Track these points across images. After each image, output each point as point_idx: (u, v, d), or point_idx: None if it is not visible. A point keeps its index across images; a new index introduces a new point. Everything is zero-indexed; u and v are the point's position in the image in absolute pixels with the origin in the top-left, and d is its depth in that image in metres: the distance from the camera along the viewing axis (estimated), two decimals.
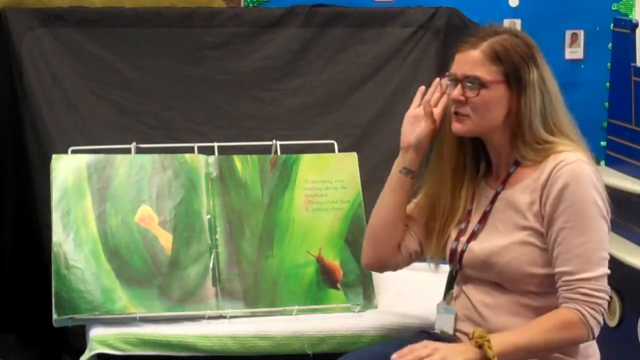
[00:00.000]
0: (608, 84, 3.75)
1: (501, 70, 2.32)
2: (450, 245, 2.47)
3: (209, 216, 2.87)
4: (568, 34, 3.86)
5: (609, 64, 3.75)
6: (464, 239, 2.43)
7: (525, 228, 2.33)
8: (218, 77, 3.45)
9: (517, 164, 2.38)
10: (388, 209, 2.53)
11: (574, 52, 3.87)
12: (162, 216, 2.84)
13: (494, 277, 2.37)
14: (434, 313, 2.56)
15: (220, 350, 2.67)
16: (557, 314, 2.28)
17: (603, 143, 3.79)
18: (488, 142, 2.41)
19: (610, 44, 3.74)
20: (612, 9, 3.87)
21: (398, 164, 2.54)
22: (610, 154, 3.67)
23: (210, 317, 2.76)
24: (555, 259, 2.29)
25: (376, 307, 2.87)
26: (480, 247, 2.39)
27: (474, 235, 2.42)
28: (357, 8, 3.56)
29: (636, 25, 3.54)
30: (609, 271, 2.30)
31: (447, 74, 2.41)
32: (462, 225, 2.45)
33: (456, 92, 2.36)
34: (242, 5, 3.62)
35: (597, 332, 2.30)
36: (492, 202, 2.40)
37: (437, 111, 2.49)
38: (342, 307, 2.84)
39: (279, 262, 2.85)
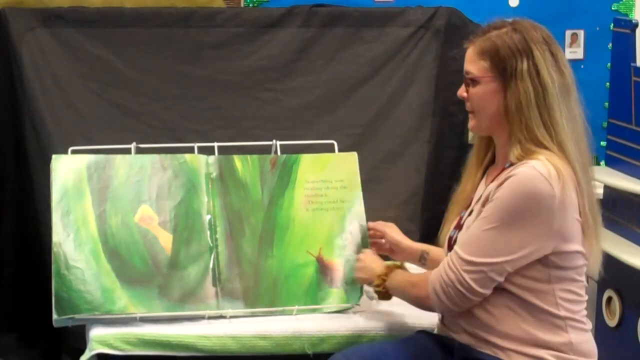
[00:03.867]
0: (608, 84, 3.74)
1: (489, 65, 2.34)
2: (446, 233, 2.52)
3: (209, 216, 2.87)
4: (568, 34, 3.85)
5: (609, 64, 3.75)
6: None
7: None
8: (218, 77, 3.45)
9: (512, 164, 2.37)
10: None
11: (574, 52, 3.87)
12: (162, 216, 2.84)
13: None
14: (434, 313, 2.56)
15: (220, 350, 2.67)
16: (426, 273, 2.47)
17: (603, 143, 3.78)
18: (495, 140, 2.43)
19: (610, 44, 3.74)
20: (612, 9, 3.87)
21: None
22: (610, 154, 3.66)
23: (210, 317, 2.76)
24: None
25: (376, 307, 2.87)
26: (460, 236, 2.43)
27: (459, 224, 2.46)
28: (357, 8, 3.56)
29: (636, 25, 3.54)
30: (484, 271, 2.28)
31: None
32: (462, 214, 2.48)
33: (460, 89, 2.40)
34: (242, 5, 3.62)
35: (437, 303, 2.36)
36: (480, 196, 2.42)
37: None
38: (342, 307, 2.84)
39: (279, 262, 2.85)
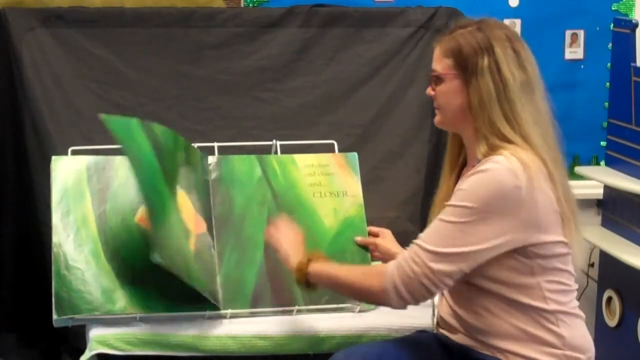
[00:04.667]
0: (608, 84, 3.74)
1: (452, 63, 2.38)
2: None
3: (208, 216, 2.87)
4: (568, 34, 3.86)
5: (609, 64, 3.75)
6: None
7: None
8: (218, 77, 3.45)
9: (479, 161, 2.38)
10: None
11: (574, 52, 3.87)
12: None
13: None
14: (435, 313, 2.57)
15: (220, 350, 2.67)
16: (380, 265, 2.47)
17: (603, 143, 3.79)
18: (464, 140, 2.44)
19: (610, 44, 3.74)
20: (612, 9, 3.87)
21: None
22: (610, 154, 3.67)
23: (210, 317, 2.76)
24: None
25: (376, 307, 2.87)
26: None
27: None
28: (357, 8, 3.56)
29: (636, 25, 3.54)
30: (439, 263, 2.27)
31: None
32: None
33: (428, 88, 2.45)
34: (242, 5, 3.62)
35: (395, 299, 2.31)
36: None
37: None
38: (342, 307, 2.84)
39: (279, 262, 2.85)
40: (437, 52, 2.42)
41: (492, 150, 2.31)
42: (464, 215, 2.25)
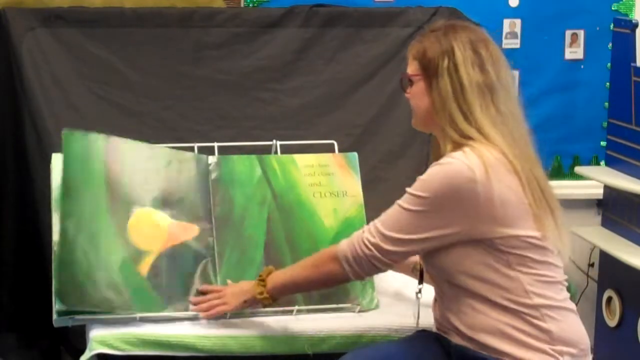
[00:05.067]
0: (608, 84, 3.75)
1: (418, 65, 2.46)
2: None
3: (209, 216, 2.87)
4: (568, 34, 3.86)
5: (609, 64, 3.75)
6: None
7: None
8: (218, 77, 3.45)
9: None
10: None
11: (574, 52, 3.87)
12: (162, 216, 2.84)
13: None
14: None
15: (220, 350, 2.67)
16: (325, 250, 2.55)
17: (603, 143, 3.79)
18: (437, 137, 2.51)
19: (610, 44, 3.74)
20: (612, 9, 3.87)
21: None
22: (610, 154, 3.67)
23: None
24: None
25: (376, 307, 2.87)
26: None
27: None
28: (357, 8, 3.56)
29: (636, 25, 3.54)
30: (391, 242, 2.38)
31: None
32: None
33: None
34: (242, 5, 3.62)
35: (351, 271, 2.44)
36: None
37: None
38: (342, 307, 2.84)
39: (279, 262, 2.85)
40: (409, 55, 2.51)
41: (457, 147, 2.38)
42: (418, 204, 2.36)
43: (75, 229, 2.71)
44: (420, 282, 2.67)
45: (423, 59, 2.44)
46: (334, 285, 2.66)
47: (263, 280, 2.62)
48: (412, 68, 2.48)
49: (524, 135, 2.41)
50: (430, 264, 2.44)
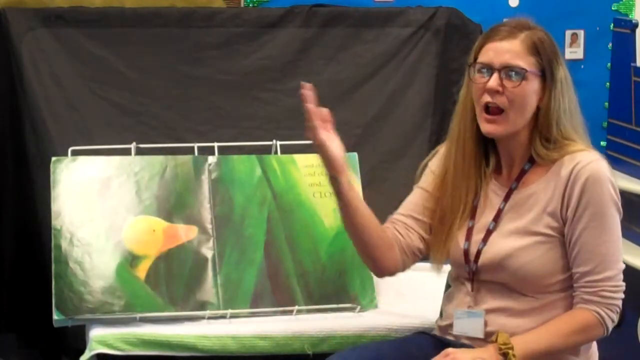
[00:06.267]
0: (608, 84, 3.74)
1: (539, 62, 2.32)
2: (460, 244, 2.41)
3: (209, 216, 2.87)
4: (568, 34, 3.86)
5: (609, 64, 3.75)
6: (477, 237, 2.39)
7: (541, 228, 2.32)
8: (218, 77, 3.45)
9: (532, 161, 2.36)
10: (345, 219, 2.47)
11: (574, 52, 3.87)
12: (162, 216, 2.84)
13: (506, 278, 2.34)
14: (434, 313, 2.56)
15: (220, 350, 2.67)
16: (576, 316, 2.32)
17: (603, 143, 3.79)
18: (505, 139, 2.37)
19: (610, 44, 3.74)
20: (612, 9, 3.87)
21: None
22: (610, 154, 3.67)
23: (210, 317, 2.76)
24: (574, 257, 2.31)
25: (376, 307, 2.87)
26: (496, 247, 2.35)
27: (488, 234, 2.38)
28: (357, 8, 3.56)
29: (636, 25, 3.55)
30: (624, 265, 2.36)
31: (472, 62, 2.36)
32: (470, 223, 2.41)
33: (493, 82, 2.30)
34: (242, 5, 3.62)
35: (612, 324, 2.37)
36: (506, 199, 2.37)
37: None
38: (342, 307, 2.84)
39: (279, 262, 2.85)
40: (520, 47, 2.32)
41: (558, 148, 2.33)
42: (616, 220, 2.36)
43: (67, 242, 2.72)
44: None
45: (544, 56, 2.32)
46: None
47: (512, 349, 2.24)
48: (528, 62, 2.31)
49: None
50: None
